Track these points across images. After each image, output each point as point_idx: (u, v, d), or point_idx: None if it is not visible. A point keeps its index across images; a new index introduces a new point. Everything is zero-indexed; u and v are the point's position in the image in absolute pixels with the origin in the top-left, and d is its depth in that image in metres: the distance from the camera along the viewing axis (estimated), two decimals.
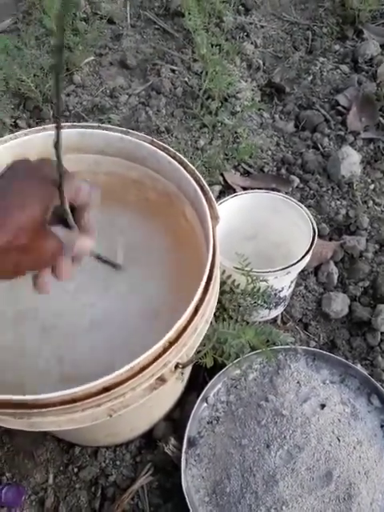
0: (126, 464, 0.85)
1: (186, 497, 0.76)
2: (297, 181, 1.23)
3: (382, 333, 0.97)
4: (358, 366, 0.92)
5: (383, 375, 0.93)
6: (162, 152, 0.68)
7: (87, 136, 0.72)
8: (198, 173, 0.65)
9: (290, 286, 0.92)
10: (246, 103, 1.41)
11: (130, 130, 0.71)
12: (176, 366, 0.56)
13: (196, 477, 0.80)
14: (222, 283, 0.89)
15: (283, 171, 1.26)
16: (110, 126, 0.73)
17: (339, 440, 0.79)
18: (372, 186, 1.24)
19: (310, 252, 0.84)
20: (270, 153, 1.31)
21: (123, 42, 1.62)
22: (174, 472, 0.82)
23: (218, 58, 1.42)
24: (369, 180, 1.25)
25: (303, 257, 0.83)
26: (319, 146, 1.30)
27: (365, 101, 1.35)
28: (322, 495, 0.75)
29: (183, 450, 0.80)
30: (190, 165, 0.66)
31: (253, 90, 1.48)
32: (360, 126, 1.33)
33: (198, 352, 0.73)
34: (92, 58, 1.55)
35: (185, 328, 0.53)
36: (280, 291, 0.90)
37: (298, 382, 0.87)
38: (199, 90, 1.44)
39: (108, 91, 1.47)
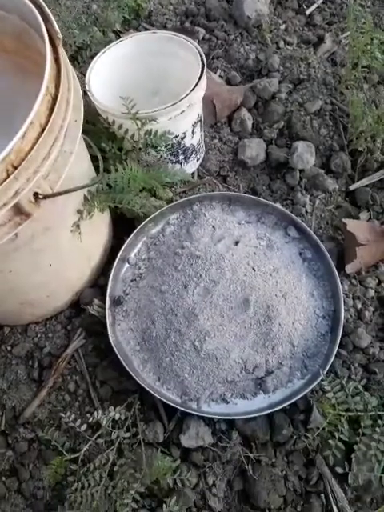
0: (58, 334, 0.86)
1: (114, 348, 0.77)
2: (202, 32, 1.13)
3: (299, 170, 0.95)
4: (277, 205, 0.91)
5: (302, 210, 0.92)
6: None
7: None
8: None
9: (193, 133, 0.88)
10: None
11: None
12: (36, 197, 0.53)
13: (125, 330, 0.82)
14: (120, 139, 0.84)
15: (187, 24, 1.16)
16: None
17: (254, 270, 0.79)
18: (283, 26, 1.15)
19: (200, 84, 0.79)
20: (171, 7, 1.19)
21: None
22: (106, 332, 0.83)
23: None
24: (280, 21, 1.16)
25: (192, 90, 0.77)
26: None
27: None
28: (243, 321, 0.77)
29: (107, 306, 0.81)
30: None
31: None
32: None
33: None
34: None
35: (29, 151, 0.49)
36: (183, 138, 0.86)
37: (213, 227, 0.86)
38: None
39: None
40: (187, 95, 0.78)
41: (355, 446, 0.65)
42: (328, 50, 1.11)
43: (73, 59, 1.07)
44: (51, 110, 0.52)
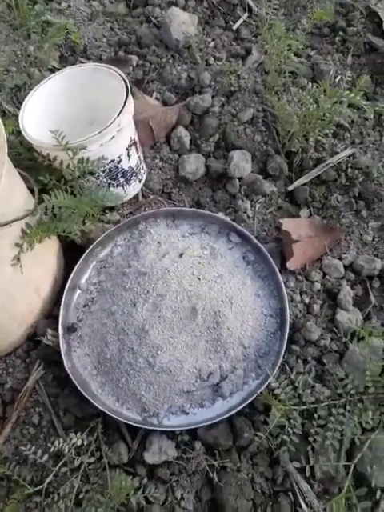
0: (18, 369, 0.86)
1: (71, 375, 0.78)
2: (136, 59, 1.17)
3: (238, 178, 0.98)
4: (219, 214, 0.94)
5: (244, 216, 0.94)
6: None
7: None
8: None
9: (128, 155, 0.90)
10: None
11: None
12: None
13: (81, 356, 0.83)
14: (58, 170, 0.86)
15: (121, 53, 1.20)
16: None
17: (199, 279, 0.81)
18: (212, 44, 1.20)
19: (125, 108, 0.82)
20: (105, 40, 1.24)
21: None
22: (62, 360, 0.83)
23: None
24: (209, 39, 1.21)
25: (118, 115, 0.80)
26: (151, 18, 1.23)
27: None
28: (192, 330, 0.78)
29: (60, 335, 0.82)
30: None
31: None
32: None
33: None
34: None
35: None
36: (119, 162, 0.88)
37: (158, 243, 0.88)
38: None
39: None
40: (114, 120, 0.80)
41: (310, 438, 0.66)
42: (255, 60, 1.16)
43: (11, 100, 1.10)
44: None
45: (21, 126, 0.85)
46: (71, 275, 0.86)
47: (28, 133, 0.83)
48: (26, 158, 0.93)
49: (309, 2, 1.23)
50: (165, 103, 1.12)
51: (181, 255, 0.84)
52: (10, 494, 0.77)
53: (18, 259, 0.73)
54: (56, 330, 0.84)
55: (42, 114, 0.91)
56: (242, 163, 0.96)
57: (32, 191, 0.80)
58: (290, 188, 0.97)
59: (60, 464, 0.74)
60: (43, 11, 1.28)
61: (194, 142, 1.06)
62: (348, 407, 0.70)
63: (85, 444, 0.75)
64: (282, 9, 1.13)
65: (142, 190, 1.01)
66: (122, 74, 0.85)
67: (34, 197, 0.79)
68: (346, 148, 0.99)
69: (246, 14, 1.26)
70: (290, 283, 0.85)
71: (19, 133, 0.90)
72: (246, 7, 1.26)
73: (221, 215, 0.92)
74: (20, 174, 0.79)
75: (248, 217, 0.95)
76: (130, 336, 0.78)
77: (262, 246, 0.84)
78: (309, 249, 0.86)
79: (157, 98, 1.13)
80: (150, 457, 0.74)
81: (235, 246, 0.89)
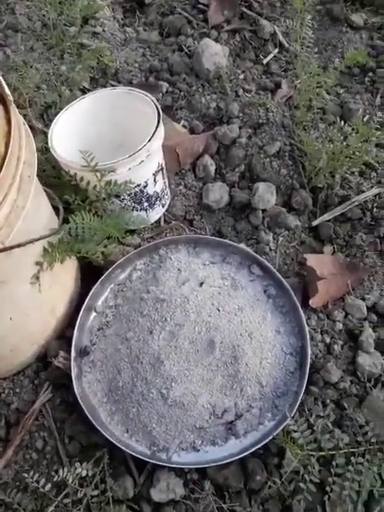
0: (25, 390, 0.84)
1: (80, 401, 0.76)
2: (166, 85, 1.19)
3: (262, 210, 0.97)
4: (242, 245, 0.93)
5: (267, 248, 0.93)
6: None
7: None
8: None
9: (155, 181, 0.90)
10: (106, 22, 1.34)
11: None
12: None
13: (92, 382, 0.80)
14: (83, 190, 0.86)
15: (152, 79, 1.22)
16: None
17: (219, 310, 0.79)
18: (242, 76, 1.21)
19: (156, 135, 0.82)
20: (136, 65, 1.26)
21: None
22: (72, 385, 0.81)
23: None
24: (239, 71, 1.23)
25: (149, 141, 0.80)
26: (183, 47, 1.26)
27: None
28: (209, 364, 0.76)
29: (72, 358, 0.80)
30: None
31: (113, 9, 1.41)
32: (222, 19, 1.29)
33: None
34: None
35: None
36: (145, 186, 0.88)
37: (178, 269, 0.86)
38: (58, 20, 1.36)
39: None
40: (144, 146, 0.80)
41: (328, 488, 0.63)
42: (285, 94, 1.17)
43: (40, 117, 1.11)
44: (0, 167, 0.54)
45: (50, 144, 0.85)
46: (88, 297, 0.85)
47: (57, 151, 0.84)
48: (51, 176, 0.94)
49: (339, 42, 1.25)
50: (192, 131, 1.13)
51: (201, 284, 0.83)
52: None
53: (38, 278, 0.72)
54: (68, 352, 0.82)
55: (70, 133, 0.91)
56: (266, 195, 0.96)
57: (56, 209, 0.80)
58: (315, 223, 0.96)
59: (62, 495, 0.71)
60: (79, 34, 1.31)
61: (219, 172, 1.06)
62: (367, 456, 0.67)
63: (89, 475, 0.72)
64: (315, 47, 1.14)
65: (164, 215, 1.01)
66: (155, 99, 0.86)
67: (57, 215, 0.79)
68: (372, 187, 0.98)
69: (277, 50, 1.28)
70: (311, 321, 0.83)
71: (46, 150, 0.90)
72: (276, 43, 1.29)
73: (243, 246, 0.91)
74: (45, 191, 0.79)
75: (270, 249, 0.93)
76: (145, 365, 0.76)
77: (284, 281, 0.83)
78: (332, 287, 0.84)
79: (184, 126, 1.14)
80: (157, 494, 0.71)
81: (256, 278, 0.87)
